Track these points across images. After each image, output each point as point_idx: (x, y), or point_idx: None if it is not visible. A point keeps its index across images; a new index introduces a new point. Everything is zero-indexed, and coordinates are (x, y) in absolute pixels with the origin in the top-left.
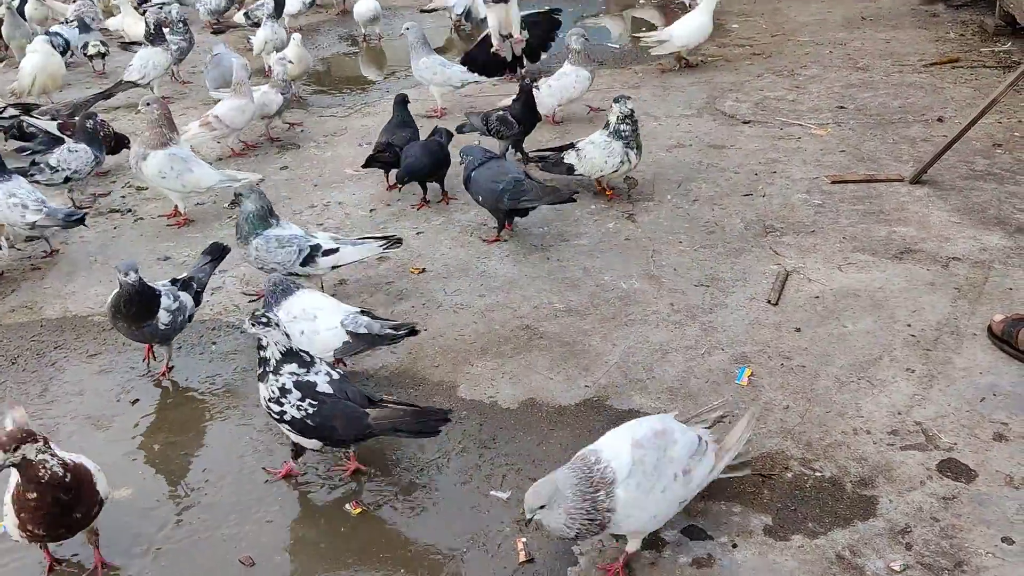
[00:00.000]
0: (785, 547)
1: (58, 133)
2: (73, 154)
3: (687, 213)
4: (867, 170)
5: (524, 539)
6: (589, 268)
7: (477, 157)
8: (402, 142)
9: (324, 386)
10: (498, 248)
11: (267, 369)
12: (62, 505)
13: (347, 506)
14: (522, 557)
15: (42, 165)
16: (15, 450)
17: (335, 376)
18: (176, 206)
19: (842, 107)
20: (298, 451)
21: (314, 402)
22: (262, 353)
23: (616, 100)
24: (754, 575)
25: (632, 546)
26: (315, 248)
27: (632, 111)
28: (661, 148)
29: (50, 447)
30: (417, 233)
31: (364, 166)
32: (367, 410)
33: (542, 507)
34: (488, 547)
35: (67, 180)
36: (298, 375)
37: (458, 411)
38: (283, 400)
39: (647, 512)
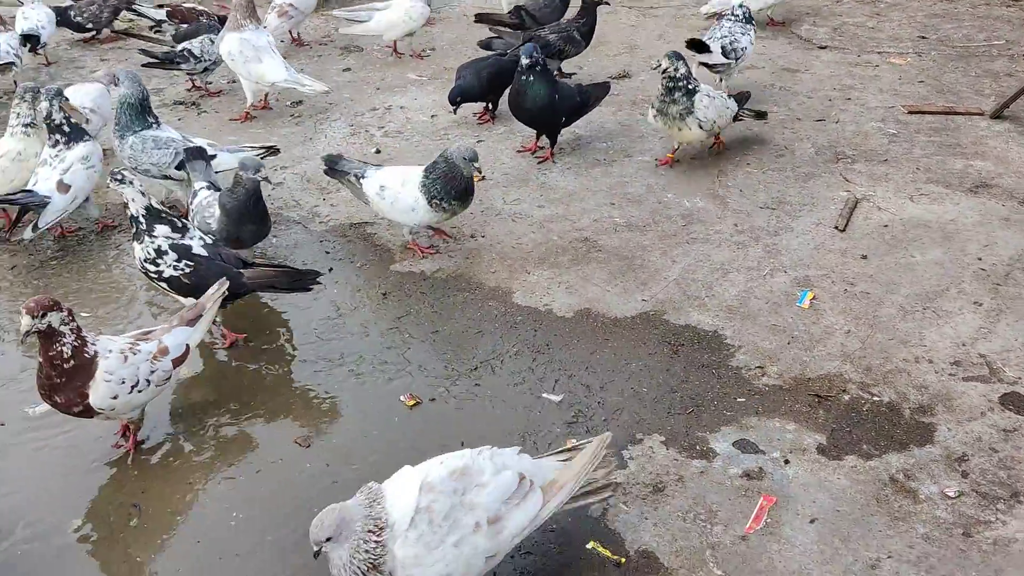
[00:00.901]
0: (838, 466)
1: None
2: (212, 44)
3: (756, 135)
4: (946, 102)
5: (574, 440)
6: (652, 185)
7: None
8: (535, 8)
9: (199, 249)
10: (559, 160)
11: (140, 229)
12: (50, 385)
13: (401, 397)
14: None
15: (185, 53)
16: (43, 316)
17: (208, 240)
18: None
19: (923, 37)
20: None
21: (190, 263)
22: (129, 212)
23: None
24: (805, 491)
25: None
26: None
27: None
28: None
29: (74, 322)
30: (478, 141)
31: (477, 20)
32: (241, 271)
33: (328, 539)
34: (539, 445)
35: (205, 71)
36: (173, 238)
37: (512, 316)
38: (159, 261)
39: (433, 570)
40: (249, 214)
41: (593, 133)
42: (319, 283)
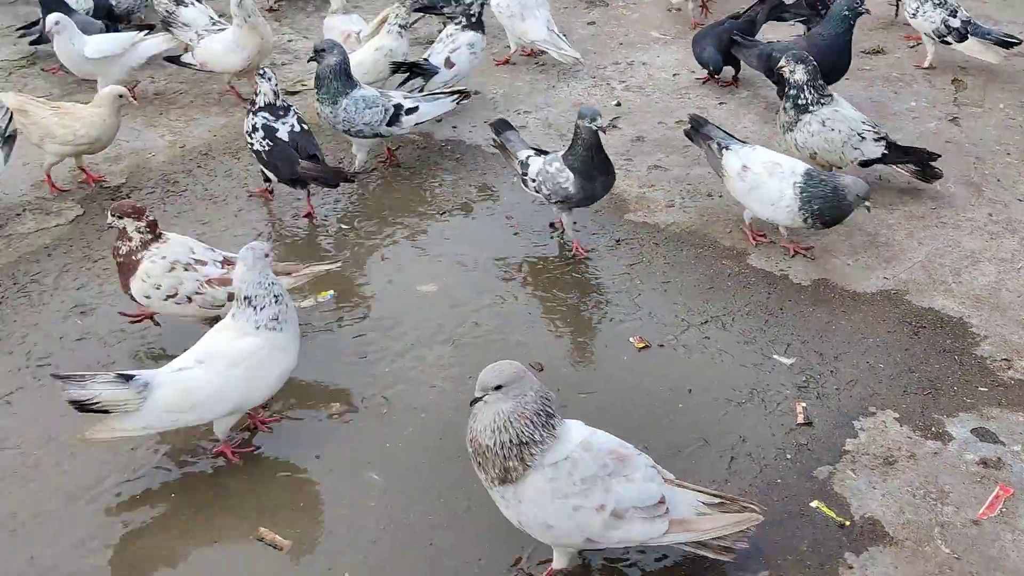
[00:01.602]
0: None
1: None
2: None
3: (1020, 125)
4: None
5: (804, 404)
6: None
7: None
8: None
9: (283, 134)
10: None
11: (250, 109)
12: (116, 267)
13: (631, 339)
14: (800, 419)
15: None
16: (119, 218)
17: (298, 129)
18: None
19: None
20: (266, 178)
21: (270, 142)
22: (255, 98)
23: None
24: None
25: (557, 561)
26: (398, 107)
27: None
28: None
29: (150, 232)
30: (719, 103)
31: None
32: (302, 161)
33: (498, 388)
34: (767, 403)
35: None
36: (268, 120)
37: (746, 277)
38: (252, 136)
39: (542, 516)
40: (598, 166)
41: None
42: (351, 181)
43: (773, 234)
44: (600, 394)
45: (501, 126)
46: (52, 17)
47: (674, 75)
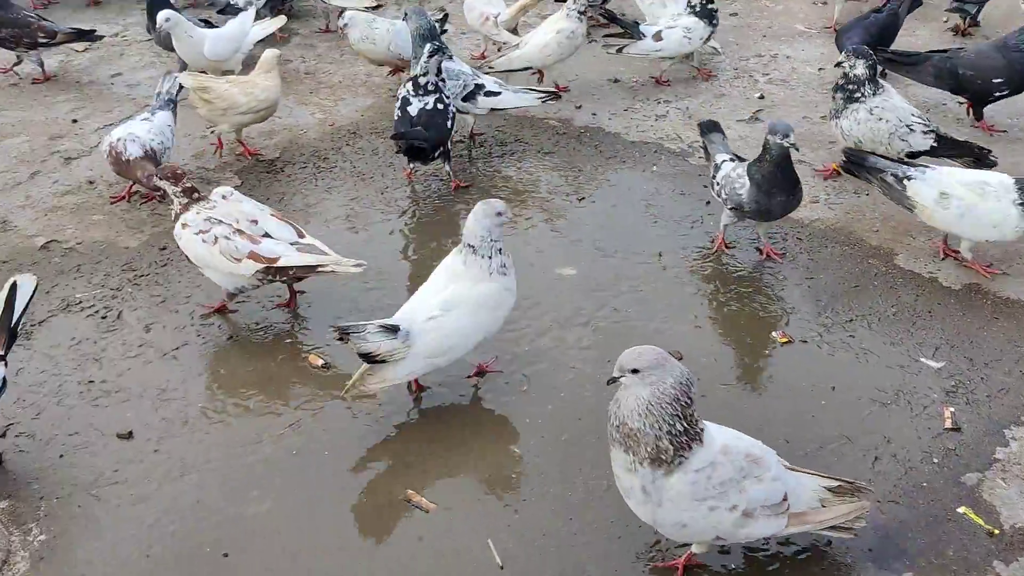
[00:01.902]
0: None
1: None
2: None
3: None
4: None
5: (952, 409)
6: None
7: None
8: None
9: (413, 108)
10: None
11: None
12: None
13: (774, 333)
14: (948, 424)
15: None
16: (161, 180)
17: (429, 108)
18: None
19: None
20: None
21: (399, 113)
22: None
23: None
24: None
25: (697, 547)
26: (479, 87)
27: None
28: None
29: (185, 196)
30: None
31: None
32: (418, 136)
33: (635, 372)
34: (913, 406)
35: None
36: (408, 93)
37: (893, 278)
38: (396, 109)
39: (680, 516)
40: (779, 184)
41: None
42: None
43: (919, 237)
44: (741, 387)
45: (709, 127)
46: (163, 14)
47: (819, 69)
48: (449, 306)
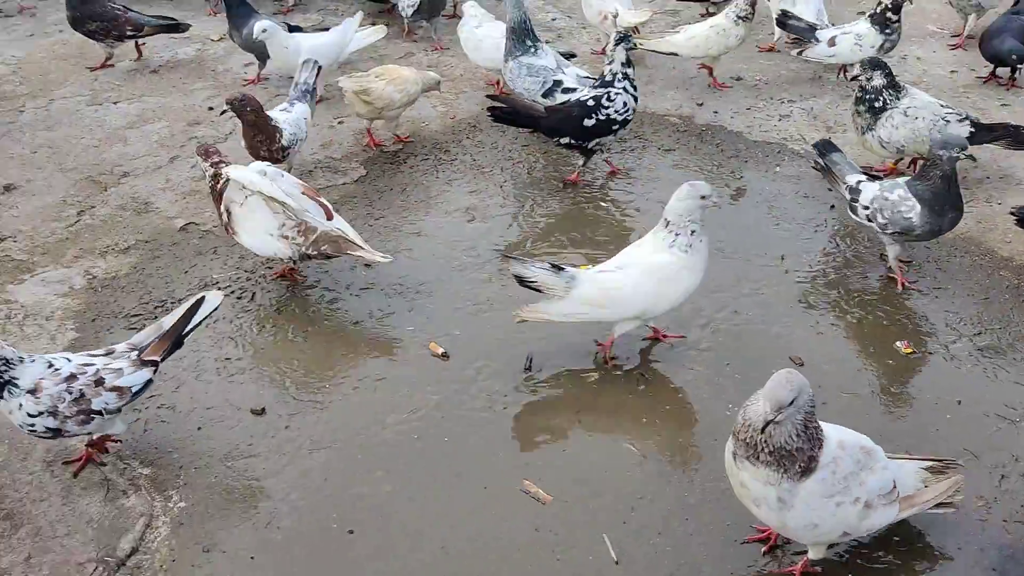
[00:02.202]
0: None
1: None
2: None
3: None
4: None
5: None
6: None
7: None
8: None
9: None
10: None
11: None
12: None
13: (898, 344)
14: None
15: None
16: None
17: (583, 99)
18: None
19: None
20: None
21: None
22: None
23: None
24: None
25: (813, 553)
26: (557, 83)
27: None
28: None
29: (214, 168)
30: (1002, 104)
31: None
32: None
33: (791, 404)
34: None
35: None
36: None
37: None
38: None
39: (811, 516)
40: (950, 200)
41: None
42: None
43: None
44: (863, 396)
45: (826, 147)
46: (259, 26)
47: (951, 72)
48: (620, 265)
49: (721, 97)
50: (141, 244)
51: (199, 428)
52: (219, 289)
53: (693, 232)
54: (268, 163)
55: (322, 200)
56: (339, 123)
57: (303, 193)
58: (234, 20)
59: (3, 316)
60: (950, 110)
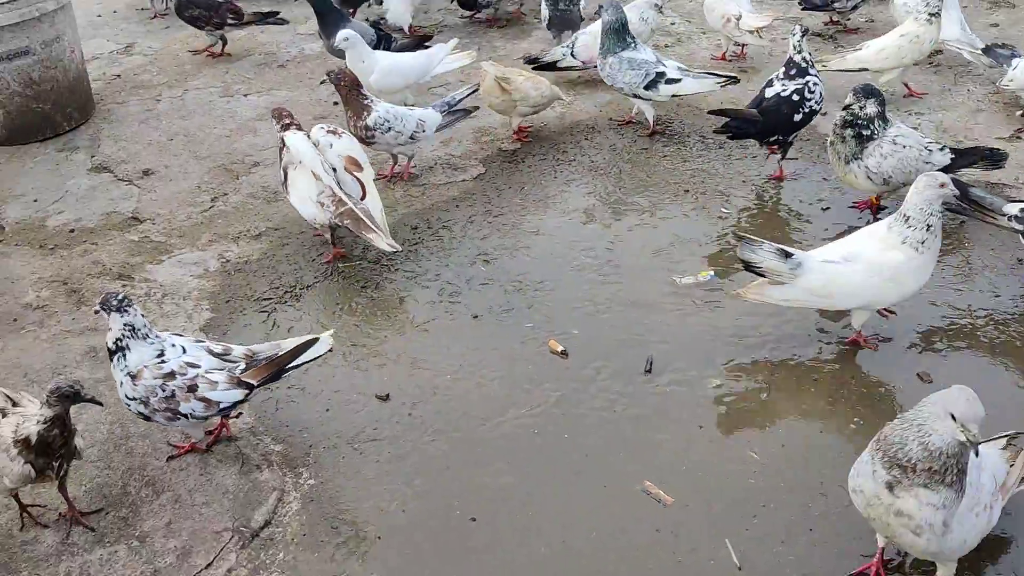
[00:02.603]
0: None
1: None
2: None
3: None
4: None
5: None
6: None
7: None
8: None
9: (770, 91)
10: None
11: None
12: None
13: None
14: None
15: None
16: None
17: (785, 95)
18: None
19: None
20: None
21: (758, 92)
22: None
23: None
24: None
25: (944, 571)
26: (660, 75)
27: None
28: None
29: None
30: None
31: None
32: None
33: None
34: None
35: (855, 8)
36: (777, 75)
37: None
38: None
39: (963, 533)
40: None
41: None
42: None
43: None
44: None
45: (961, 186)
46: (342, 34)
47: None
48: (849, 257)
49: None
50: (271, 231)
51: (327, 410)
52: (345, 277)
53: (930, 227)
54: (337, 135)
55: (358, 176)
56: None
57: (345, 168)
58: (324, 26)
59: (144, 294)
60: (929, 139)
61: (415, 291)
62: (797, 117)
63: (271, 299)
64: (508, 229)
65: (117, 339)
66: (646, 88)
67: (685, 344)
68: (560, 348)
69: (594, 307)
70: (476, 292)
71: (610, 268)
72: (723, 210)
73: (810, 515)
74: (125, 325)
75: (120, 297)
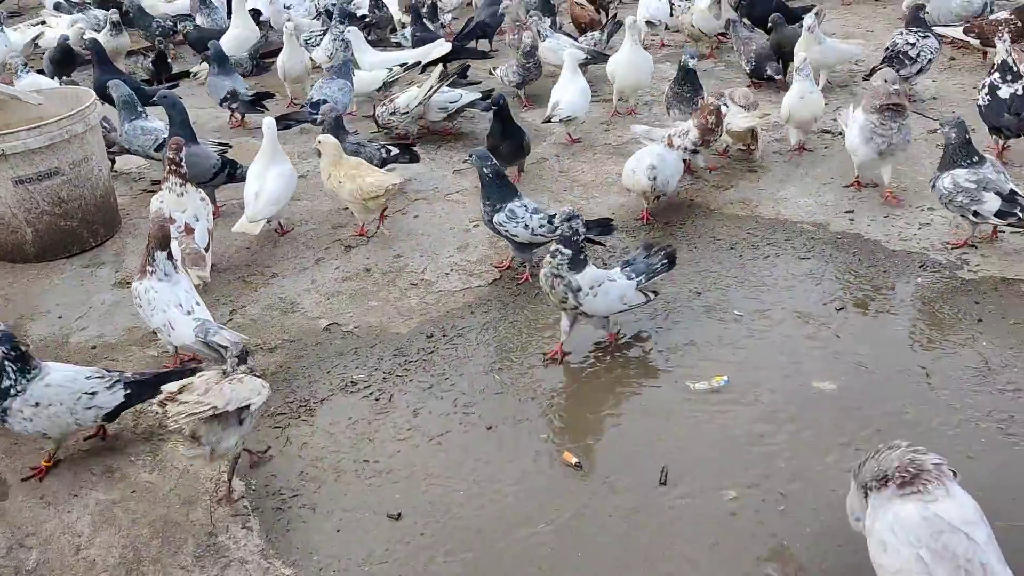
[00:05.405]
0: None
1: None
2: None
3: None
4: None
5: None
6: None
7: None
8: None
9: (1003, 93)
10: None
11: None
12: None
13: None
14: None
15: None
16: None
17: (1020, 94)
18: None
19: None
20: None
21: (990, 99)
22: None
23: None
24: None
25: None
26: None
27: None
28: None
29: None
30: None
31: None
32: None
33: None
34: None
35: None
36: (994, 80)
37: None
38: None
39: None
40: None
41: None
42: None
43: None
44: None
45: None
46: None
47: None
48: None
49: (857, 201)
50: (287, 344)
51: (338, 531)
52: (357, 389)
53: None
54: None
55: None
56: (474, 226)
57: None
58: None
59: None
60: None
61: (429, 402)
62: None
63: (285, 414)
64: (526, 334)
65: None
66: None
67: (700, 455)
68: (574, 460)
69: (612, 416)
70: (491, 402)
71: (624, 375)
72: (736, 312)
73: None
74: None
75: None
